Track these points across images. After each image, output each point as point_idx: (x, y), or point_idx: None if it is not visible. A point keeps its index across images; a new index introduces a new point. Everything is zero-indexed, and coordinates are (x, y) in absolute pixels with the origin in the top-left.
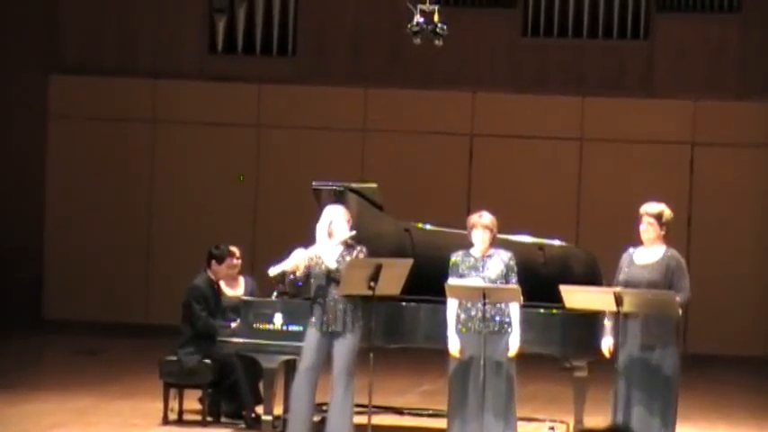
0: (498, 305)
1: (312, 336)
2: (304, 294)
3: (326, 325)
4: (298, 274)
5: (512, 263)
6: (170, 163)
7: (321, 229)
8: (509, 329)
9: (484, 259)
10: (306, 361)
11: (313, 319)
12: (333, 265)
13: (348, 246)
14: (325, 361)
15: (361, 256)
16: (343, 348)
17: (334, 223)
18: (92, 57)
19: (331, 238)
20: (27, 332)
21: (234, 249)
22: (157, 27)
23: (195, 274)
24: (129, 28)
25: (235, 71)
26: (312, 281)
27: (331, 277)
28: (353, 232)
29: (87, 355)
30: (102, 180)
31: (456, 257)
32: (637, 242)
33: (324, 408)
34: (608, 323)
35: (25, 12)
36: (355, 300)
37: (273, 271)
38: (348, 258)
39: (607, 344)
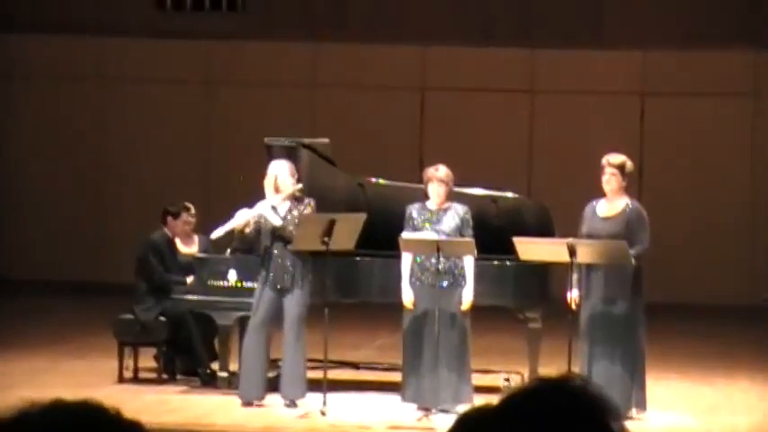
0: (452, 258)
1: (262, 292)
2: (258, 251)
3: (275, 282)
4: (247, 230)
5: (467, 216)
6: (119, 122)
7: (268, 184)
8: (463, 283)
9: (440, 213)
10: (257, 317)
11: (261, 276)
12: (278, 223)
13: (296, 199)
14: (276, 316)
15: (310, 209)
16: (293, 303)
17: (280, 178)
18: (35, 14)
19: (278, 192)
20: None
21: (189, 206)
22: None
23: (147, 232)
24: None
25: (183, 27)
26: (261, 238)
27: (277, 234)
28: (300, 185)
29: (40, 315)
30: (52, 139)
31: (412, 210)
32: (598, 194)
33: (278, 364)
34: (574, 276)
35: None
36: (303, 255)
37: (216, 234)
38: (296, 213)
39: (572, 296)
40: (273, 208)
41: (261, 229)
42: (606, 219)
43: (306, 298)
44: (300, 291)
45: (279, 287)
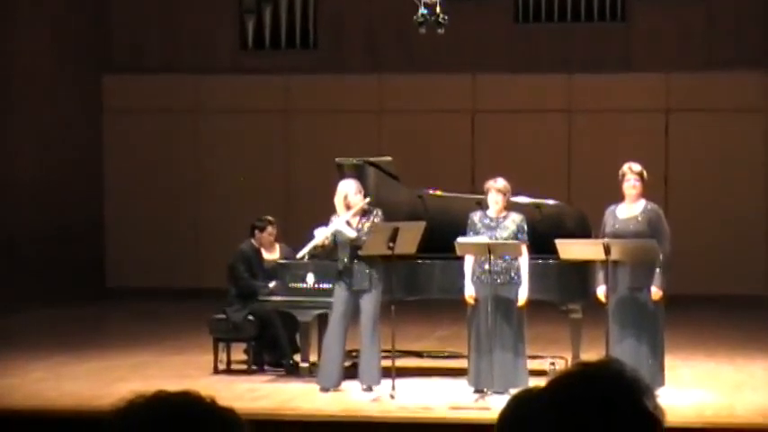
0: (508, 260)
1: (340, 293)
2: (333, 257)
3: (353, 284)
4: (326, 243)
5: (522, 224)
6: (212, 148)
7: (338, 202)
8: (518, 281)
9: (498, 220)
10: (336, 312)
11: (341, 280)
12: (353, 235)
13: (365, 212)
14: (352, 313)
15: (377, 219)
16: (370, 302)
17: (350, 196)
18: (139, 57)
19: (349, 209)
20: (92, 300)
21: (272, 220)
22: (195, 29)
23: (237, 244)
24: (170, 30)
25: (264, 64)
26: (339, 247)
27: (353, 245)
28: (368, 199)
29: (143, 316)
30: (154, 165)
31: (474, 217)
32: (619, 199)
33: (354, 354)
34: (600, 273)
35: (80, 19)
36: (376, 261)
37: (302, 253)
38: (367, 224)
39: (601, 291)
40: (347, 223)
41: (337, 241)
42: (628, 220)
43: (379, 297)
44: (375, 291)
45: (357, 289)
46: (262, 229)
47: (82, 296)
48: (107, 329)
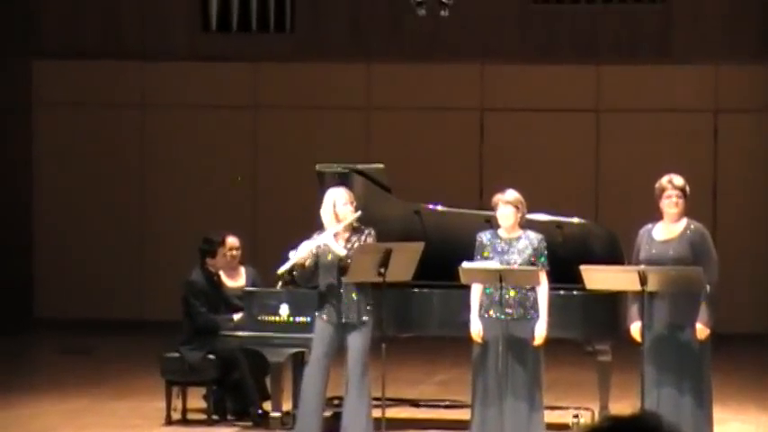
0: (522, 290)
1: (323, 327)
2: (311, 284)
3: (339, 316)
4: (307, 263)
5: (542, 246)
6: (163, 149)
7: (326, 214)
8: (535, 315)
9: (511, 242)
10: (317, 351)
11: (323, 311)
12: (342, 252)
13: (355, 230)
14: (337, 352)
15: (370, 239)
16: (358, 340)
17: (338, 206)
18: (76, 40)
19: (338, 222)
20: (17, 331)
21: (232, 240)
22: (145, 5)
23: (192, 266)
24: (114, 8)
25: (230, 50)
26: (320, 271)
27: (341, 266)
28: (359, 213)
29: (81, 355)
30: (91, 169)
31: (482, 238)
32: (656, 218)
33: (335, 402)
34: (634, 306)
35: None
36: (366, 288)
37: (282, 269)
38: (357, 244)
39: (636, 328)
40: (335, 236)
41: (319, 263)
42: (666, 242)
43: (370, 334)
44: (366, 326)
45: (343, 322)
46: (213, 254)
47: (4, 328)
48: (34, 368)
